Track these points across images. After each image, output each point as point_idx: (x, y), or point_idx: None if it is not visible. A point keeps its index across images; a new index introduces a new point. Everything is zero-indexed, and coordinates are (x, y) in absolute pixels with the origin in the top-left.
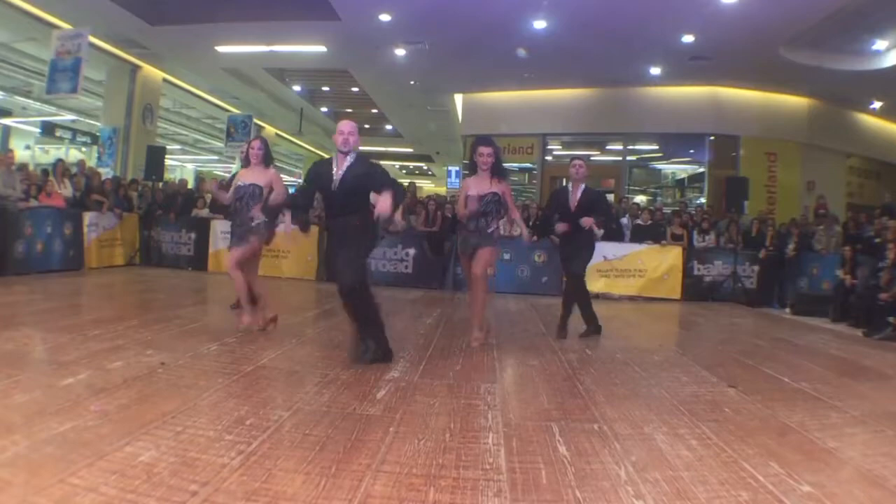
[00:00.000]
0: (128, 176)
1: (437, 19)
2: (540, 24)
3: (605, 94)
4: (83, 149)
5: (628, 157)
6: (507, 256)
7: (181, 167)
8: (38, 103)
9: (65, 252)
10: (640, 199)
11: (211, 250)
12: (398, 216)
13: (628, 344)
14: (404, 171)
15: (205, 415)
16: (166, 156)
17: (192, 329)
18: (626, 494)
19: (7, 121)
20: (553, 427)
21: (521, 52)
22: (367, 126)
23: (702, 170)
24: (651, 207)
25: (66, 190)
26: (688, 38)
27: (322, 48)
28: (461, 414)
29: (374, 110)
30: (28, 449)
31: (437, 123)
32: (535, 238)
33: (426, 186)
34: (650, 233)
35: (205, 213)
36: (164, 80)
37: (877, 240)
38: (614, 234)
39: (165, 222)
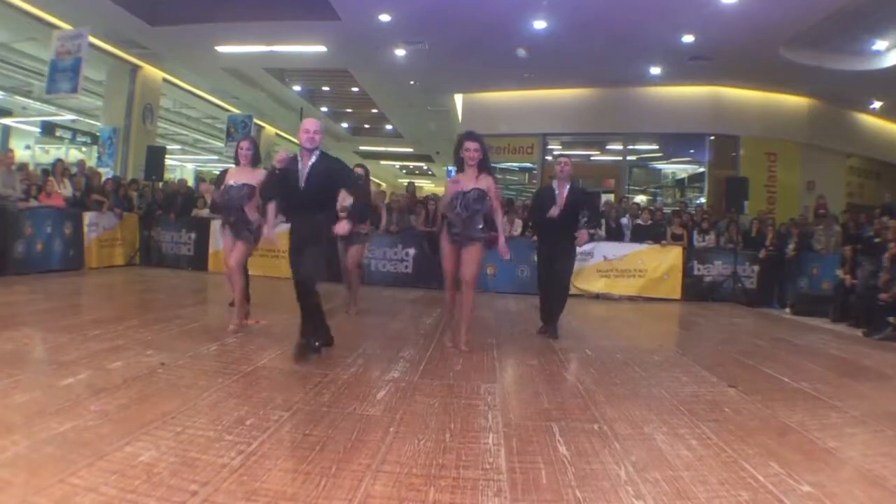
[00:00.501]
0: (128, 176)
1: (437, 19)
2: (540, 24)
3: (605, 94)
4: (83, 149)
5: (628, 157)
6: (506, 257)
7: (181, 167)
8: (38, 103)
9: (65, 252)
10: (640, 199)
11: (211, 250)
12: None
13: (628, 344)
14: (404, 171)
15: (205, 415)
16: (166, 156)
17: (192, 329)
18: (626, 494)
19: (7, 121)
20: (553, 427)
21: (521, 52)
22: (367, 126)
23: (702, 170)
24: (651, 207)
25: (66, 190)
26: (688, 38)
27: (322, 48)
28: (461, 414)
29: (374, 110)
30: (28, 449)
31: (437, 123)
32: (508, 257)
33: (426, 186)
34: (650, 233)
35: (205, 213)
36: (164, 80)
37: (877, 240)
38: (611, 233)
39: (165, 222)
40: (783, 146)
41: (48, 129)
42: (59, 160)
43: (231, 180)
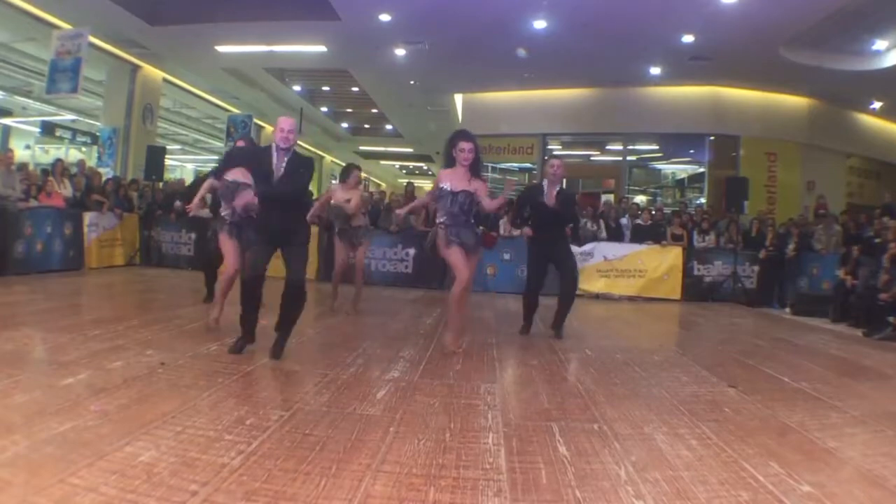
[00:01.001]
0: (128, 176)
1: (437, 19)
2: (540, 24)
3: (605, 94)
4: (83, 149)
5: (628, 157)
6: (507, 256)
7: (181, 167)
8: (38, 103)
9: (65, 252)
10: (640, 199)
11: None
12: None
13: (628, 344)
14: (404, 171)
15: (205, 415)
16: (166, 156)
17: (192, 329)
18: (626, 494)
19: (7, 121)
20: (553, 427)
21: (521, 52)
22: (367, 126)
23: (702, 170)
24: (651, 208)
25: (66, 190)
26: (688, 38)
27: (322, 48)
28: (461, 414)
29: (374, 110)
30: (28, 449)
31: (437, 123)
32: (495, 235)
33: (426, 186)
34: (650, 233)
35: (205, 213)
36: (164, 80)
37: (877, 240)
38: (611, 233)
39: (165, 222)
40: (783, 146)
41: (48, 129)
42: (59, 160)
43: (230, 178)
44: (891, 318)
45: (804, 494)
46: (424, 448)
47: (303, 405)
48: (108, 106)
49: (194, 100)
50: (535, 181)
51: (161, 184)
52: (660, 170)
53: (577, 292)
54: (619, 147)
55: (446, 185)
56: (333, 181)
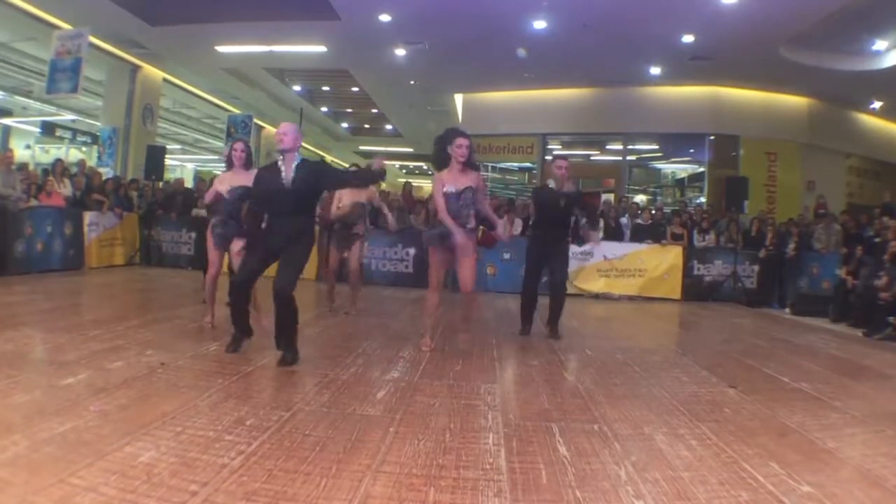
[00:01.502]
0: (128, 176)
1: (437, 19)
2: (540, 24)
3: (605, 94)
4: (83, 148)
5: (628, 157)
6: (506, 256)
7: (181, 167)
8: (38, 103)
9: (65, 252)
10: (640, 198)
11: None
12: (391, 219)
13: (628, 344)
14: (404, 171)
15: (205, 415)
16: (166, 156)
17: (192, 329)
18: (626, 494)
19: (7, 121)
20: (553, 427)
21: (521, 52)
22: (367, 126)
23: (702, 170)
24: (651, 207)
25: (66, 189)
26: (688, 38)
27: (322, 48)
28: (461, 414)
29: (374, 110)
30: (28, 449)
31: (437, 123)
32: (507, 236)
33: (426, 186)
34: (650, 232)
35: (205, 212)
36: (164, 80)
37: (877, 240)
38: (611, 233)
39: (166, 222)
40: (783, 146)
41: (48, 129)
42: (59, 160)
43: (231, 184)
44: (891, 318)
45: (804, 494)
46: (424, 448)
47: (303, 405)
48: (108, 106)
49: (194, 100)
50: (544, 184)
51: (161, 183)
52: (660, 169)
53: (578, 292)
54: (618, 147)
55: (450, 188)
56: None
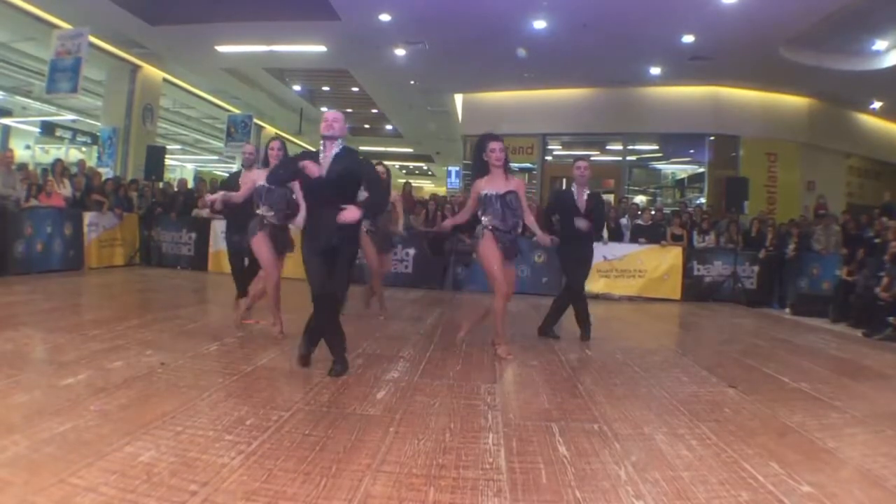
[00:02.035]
0: (128, 176)
1: (437, 19)
2: (540, 24)
3: (605, 94)
4: (83, 149)
5: (628, 157)
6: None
7: (181, 167)
8: (38, 103)
9: (65, 252)
10: (640, 199)
11: (211, 250)
12: (399, 224)
13: (628, 344)
14: (404, 171)
15: (205, 415)
16: (166, 156)
17: (192, 329)
18: (626, 494)
19: (7, 121)
20: (553, 427)
21: (521, 52)
22: (366, 126)
23: (702, 170)
24: (651, 208)
25: (66, 190)
26: (688, 38)
27: (322, 48)
28: (461, 414)
29: (374, 110)
30: (28, 449)
31: (437, 123)
32: (555, 239)
33: (426, 186)
34: (650, 233)
35: (205, 213)
36: (164, 80)
37: (877, 240)
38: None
39: (166, 222)
40: (783, 146)
41: (48, 129)
42: (59, 160)
43: (262, 181)
44: (891, 319)
45: (804, 494)
46: (424, 448)
47: (303, 405)
48: (108, 106)
49: (194, 100)
50: (565, 188)
51: (161, 184)
52: (660, 170)
53: None
54: (619, 147)
55: (490, 191)
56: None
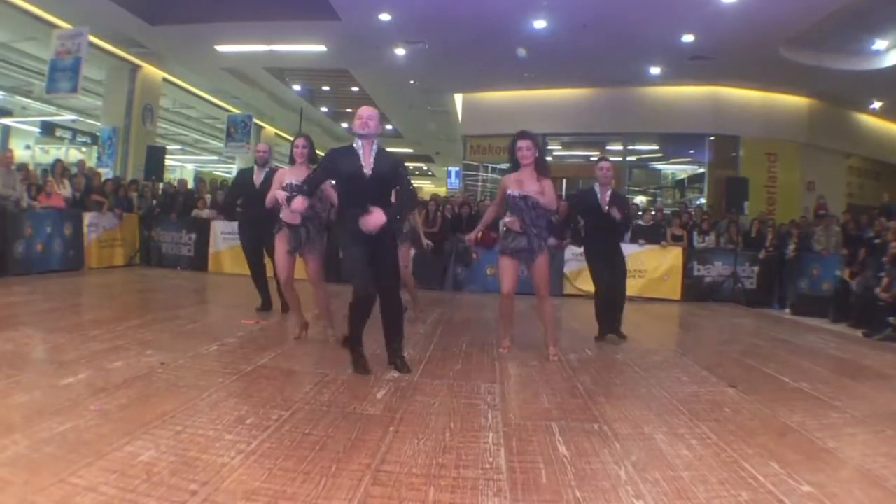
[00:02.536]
0: (128, 176)
1: (437, 19)
2: (540, 24)
3: (605, 94)
4: (83, 149)
5: (628, 157)
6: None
7: (181, 167)
8: (38, 103)
9: (65, 252)
10: (640, 199)
11: (211, 251)
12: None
13: (628, 344)
14: None
15: (205, 414)
16: (166, 156)
17: (192, 329)
18: (626, 494)
19: (7, 121)
20: (553, 427)
21: (521, 52)
22: None
23: (702, 170)
24: (652, 209)
25: (66, 190)
26: (688, 38)
27: (322, 48)
28: (461, 414)
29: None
30: (28, 449)
31: (437, 123)
32: (565, 242)
33: (426, 186)
34: (650, 233)
35: (205, 213)
36: (164, 80)
37: (877, 240)
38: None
39: (166, 222)
40: (783, 146)
41: (48, 129)
42: (59, 160)
43: (289, 179)
44: (891, 319)
45: (804, 494)
46: (424, 448)
47: (303, 404)
48: (108, 106)
49: (194, 100)
50: (588, 188)
51: (161, 184)
52: (660, 170)
53: (577, 292)
54: (619, 147)
55: (514, 191)
56: None
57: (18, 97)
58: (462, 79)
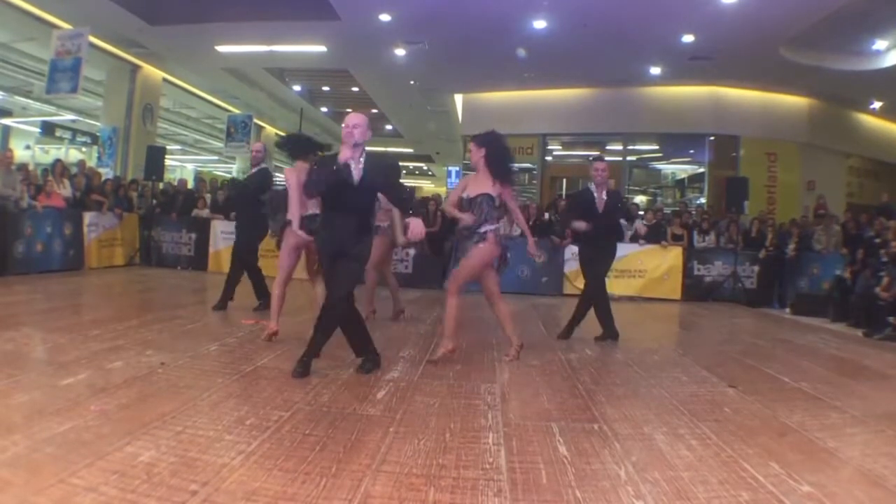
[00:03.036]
0: (128, 176)
1: (437, 19)
2: (540, 24)
3: (605, 94)
4: (83, 149)
5: (628, 157)
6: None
7: (181, 167)
8: (38, 103)
9: (65, 252)
10: (640, 199)
11: (211, 250)
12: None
13: (628, 344)
14: (404, 172)
15: (205, 415)
16: (166, 156)
17: (192, 329)
18: (626, 494)
19: (7, 121)
20: (553, 427)
21: (521, 52)
22: None
23: (702, 170)
24: (652, 209)
25: (66, 190)
26: (688, 38)
27: (322, 48)
28: (461, 414)
29: (374, 110)
30: (28, 449)
31: (437, 123)
32: (541, 257)
33: (426, 186)
34: (650, 233)
35: (205, 213)
36: (164, 80)
37: (877, 240)
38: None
39: (166, 222)
40: (783, 146)
41: (48, 129)
42: (59, 160)
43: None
44: (891, 318)
45: (804, 494)
46: (424, 448)
47: (303, 405)
48: (108, 106)
49: (194, 100)
50: (584, 188)
51: (161, 184)
52: (660, 170)
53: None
54: (619, 147)
55: (465, 194)
56: None
57: (18, 97)
58: (462, 79)
